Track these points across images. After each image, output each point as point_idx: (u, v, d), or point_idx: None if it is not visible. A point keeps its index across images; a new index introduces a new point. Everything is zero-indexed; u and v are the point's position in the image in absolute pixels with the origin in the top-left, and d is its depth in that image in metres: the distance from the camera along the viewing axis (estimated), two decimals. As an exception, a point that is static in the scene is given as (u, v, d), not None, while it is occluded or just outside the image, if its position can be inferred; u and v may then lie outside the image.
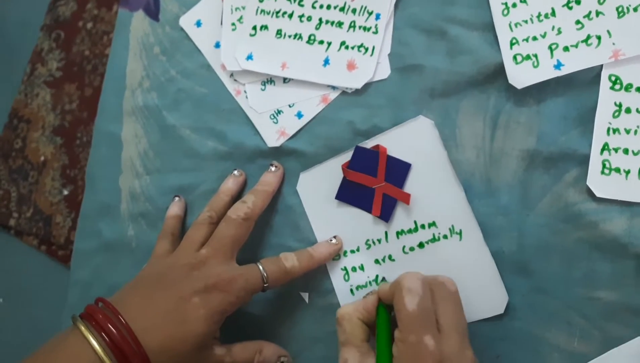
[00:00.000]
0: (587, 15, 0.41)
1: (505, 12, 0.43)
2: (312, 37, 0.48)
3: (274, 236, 0.49)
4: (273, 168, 0.49)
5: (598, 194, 0.40)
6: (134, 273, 0.51)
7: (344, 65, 0.47)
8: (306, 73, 0.48)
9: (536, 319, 0.41)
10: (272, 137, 0.49)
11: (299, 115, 0.48)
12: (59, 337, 0.40)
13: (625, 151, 0.40)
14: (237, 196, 0.50)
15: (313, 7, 0.48)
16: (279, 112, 0.49)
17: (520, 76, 0.42)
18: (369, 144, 0.46)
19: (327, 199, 0.47)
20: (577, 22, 0.41)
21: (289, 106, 0.49)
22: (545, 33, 0.42)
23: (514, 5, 0.43)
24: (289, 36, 0.49)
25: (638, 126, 0.40)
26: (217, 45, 0.53)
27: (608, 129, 0.41)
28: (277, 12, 0.49)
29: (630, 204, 0.40)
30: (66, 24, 0.73)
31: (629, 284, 0.39)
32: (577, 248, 0.41)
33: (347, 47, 0.47)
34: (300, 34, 0.48)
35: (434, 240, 0.44)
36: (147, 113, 0.55)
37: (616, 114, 0.41)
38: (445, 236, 0.44)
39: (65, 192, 0.68)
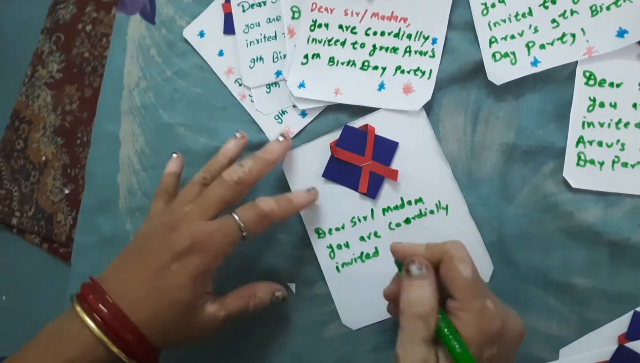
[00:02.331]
0: (563, 14, 0.43)
1: (485, 12, 0.45)
2: (366, 63, 0.47)
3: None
4: (281, 138, 0.47)
5: (574, 185, 0.42)
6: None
7: (399, 88, 0.46)
8: (360, 98, 0.47)
9: (516, 304, 0.43)
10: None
11: (303, 114, 0.50)
12: (59, 320, 0.41)
13: (600, 144, 0.42)
14: (238, 159, 0.47)
15: (366, 34, 0.47)
16: (283, 112, 0.50)
17: (499, 73, 0.44)
18: (357, 123, 0.47)
19: (314, 177, 0.48)
20: (553, 20, 0.43)
21: (293, 106, 0.50)
22: (522, 32, 0.44)
23: (493, 5, 0.45)
24: (342, 63, 0.48)
25: (611, 120, 0.42)
26: (221, 53, 0.54)
27: (583, 123, 0.42)
28: (329, 40, 0.48)
29: (605, 194, 0.41)
30: (66, 26, 0.74)
31: (603, 271, 0.41)
32: (554, 237, 0.43)
33: (402, 72, 0.46)
34: (353, 61, 0.48)
35: (420, 215, 0.46)
36: (144, 112, 0.57)
37: (590, 108, 0.42)
38: (431, 212, 0.45)
39: (66, 191, 0.69)
